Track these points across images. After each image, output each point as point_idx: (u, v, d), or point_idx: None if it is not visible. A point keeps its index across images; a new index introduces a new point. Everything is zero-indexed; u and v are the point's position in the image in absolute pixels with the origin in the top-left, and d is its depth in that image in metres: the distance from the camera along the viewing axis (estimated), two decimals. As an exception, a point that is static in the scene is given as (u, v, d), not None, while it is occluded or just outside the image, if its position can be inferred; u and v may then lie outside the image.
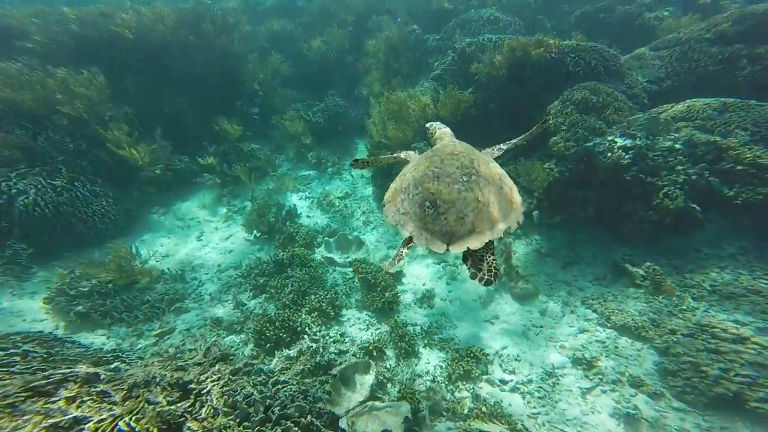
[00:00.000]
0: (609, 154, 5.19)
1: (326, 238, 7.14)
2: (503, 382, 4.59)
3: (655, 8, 9.81)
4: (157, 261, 6.68)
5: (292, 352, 4.72)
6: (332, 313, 5.39)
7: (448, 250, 2.32)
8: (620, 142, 5.33)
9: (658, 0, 10.03)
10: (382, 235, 7.27)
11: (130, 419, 2.59)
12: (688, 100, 5.89)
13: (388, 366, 4.75)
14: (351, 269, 6.24)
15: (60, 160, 6.83)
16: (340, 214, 7.96)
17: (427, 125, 3.39)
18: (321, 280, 6.03)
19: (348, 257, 6.53)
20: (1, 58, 7.49)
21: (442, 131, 3.28)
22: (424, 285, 5.97)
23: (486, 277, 2.36)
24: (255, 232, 7.31)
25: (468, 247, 2.33)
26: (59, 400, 2.72)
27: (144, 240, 7.14)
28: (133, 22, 8.42)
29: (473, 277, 2.38)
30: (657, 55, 7.25)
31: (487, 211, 2.42)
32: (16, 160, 6.55)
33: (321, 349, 4.72)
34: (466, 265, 2.43)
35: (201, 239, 7.31)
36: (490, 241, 2.38)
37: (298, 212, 7.95)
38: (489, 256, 2.44)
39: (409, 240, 2.45)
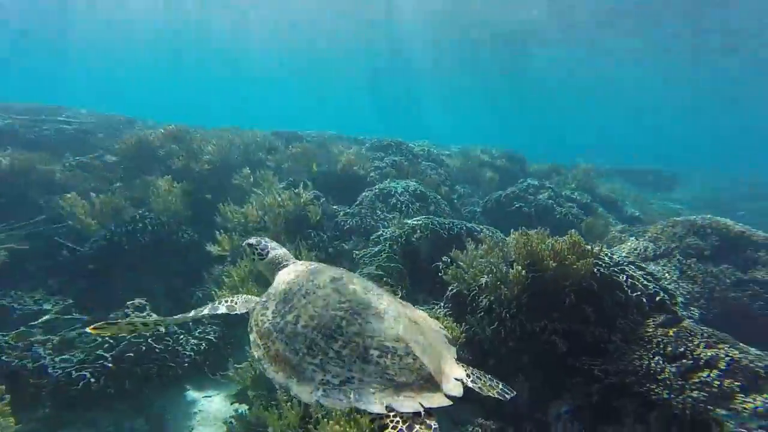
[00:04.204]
0: None
1: None
2: None
3: (562, 202, 9.60)
4: None
5: None
6: None
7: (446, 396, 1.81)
8: None
9: (558, 194, 10.00)
10: None
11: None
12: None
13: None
14: None
15: None
16: None
17: (252, 242, 2.67)
18: None
19: None
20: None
21: (278, 251, 2.67)
22: None
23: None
24: None
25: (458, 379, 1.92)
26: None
27: None
28: None
29: None
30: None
31: (426, 325, 2.18)
32: None
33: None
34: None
35: None
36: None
37: None
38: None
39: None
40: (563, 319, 3.91)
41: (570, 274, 3.87)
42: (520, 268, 3.97)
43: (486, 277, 4.33)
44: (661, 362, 3.31)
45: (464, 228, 6.00)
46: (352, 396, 1.73)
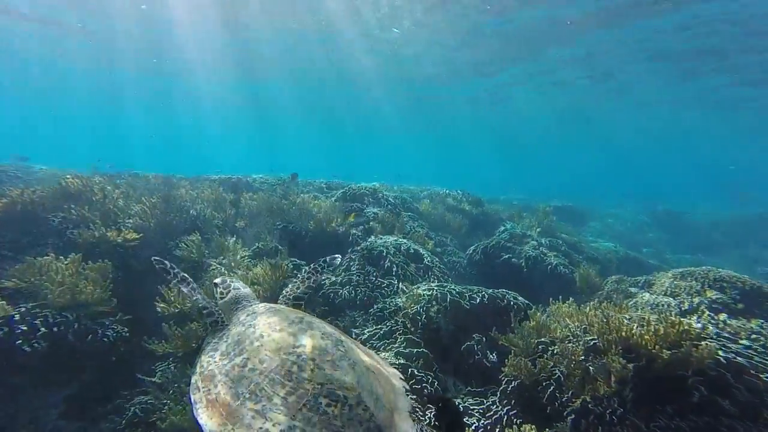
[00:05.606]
0: None
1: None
2: None
3: (546, 252, 9.06)
4: None
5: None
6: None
7: None
8: None
9: (540, 243, 9.50)
10: None
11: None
12: None
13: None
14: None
15: None
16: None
17: (217, 281, 2.63)
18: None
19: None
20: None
21: (240, 291, 2.56)
22: None
23: None
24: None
25: None
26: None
27: None
28: None
29: None
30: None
31: (383, 374, 2.03)
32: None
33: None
34: None
35: None
36: None
37: None
38: None
39: None
40: (683, 415, 2.89)
41: (690, 363, 2.89)
42: (624, 361, 2.90)
43: (563, 367, 3.23)
44: None
45: (486, 295, 4.90)
46: None
